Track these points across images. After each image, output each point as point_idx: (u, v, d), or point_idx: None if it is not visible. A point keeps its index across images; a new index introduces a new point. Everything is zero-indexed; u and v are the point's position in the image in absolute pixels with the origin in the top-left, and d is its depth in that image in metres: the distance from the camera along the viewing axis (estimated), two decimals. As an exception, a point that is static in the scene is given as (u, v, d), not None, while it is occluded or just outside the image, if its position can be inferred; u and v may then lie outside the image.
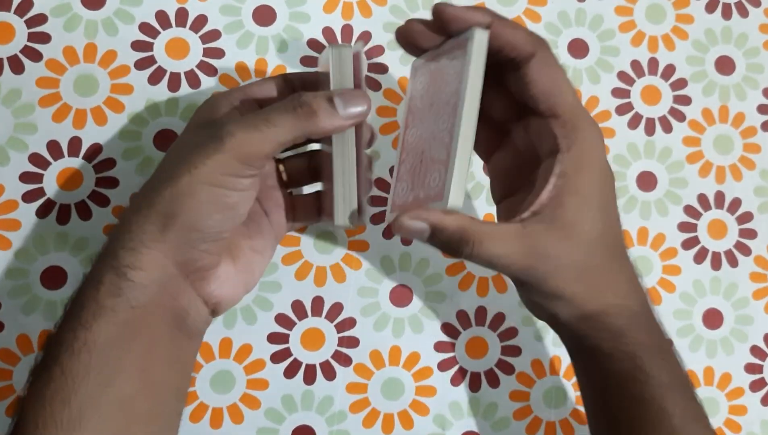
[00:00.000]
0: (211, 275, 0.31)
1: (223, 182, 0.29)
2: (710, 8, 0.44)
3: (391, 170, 0.40)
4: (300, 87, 0.34)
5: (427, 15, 0.42)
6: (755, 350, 0.42)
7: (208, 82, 0.40)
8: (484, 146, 0.34)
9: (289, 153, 0.36)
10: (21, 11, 0.39)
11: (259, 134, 0.29)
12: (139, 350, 0.29)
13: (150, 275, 0.29)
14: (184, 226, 0.29)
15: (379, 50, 0.41)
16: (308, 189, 0.37)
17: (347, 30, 0.41)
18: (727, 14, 0.44)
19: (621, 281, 0.30)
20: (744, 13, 0.45)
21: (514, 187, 0.33)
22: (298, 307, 0.39)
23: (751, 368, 0.42)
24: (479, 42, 0.29)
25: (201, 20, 0.40)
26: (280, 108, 0.30)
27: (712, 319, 0.42)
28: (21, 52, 0.39)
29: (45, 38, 0.39)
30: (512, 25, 0.29)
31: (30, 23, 0.39)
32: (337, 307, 0.39)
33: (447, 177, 0.29)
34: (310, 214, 0.36)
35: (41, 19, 0.39)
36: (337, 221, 0.31)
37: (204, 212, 0.29)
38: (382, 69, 0.41)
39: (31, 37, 0.39)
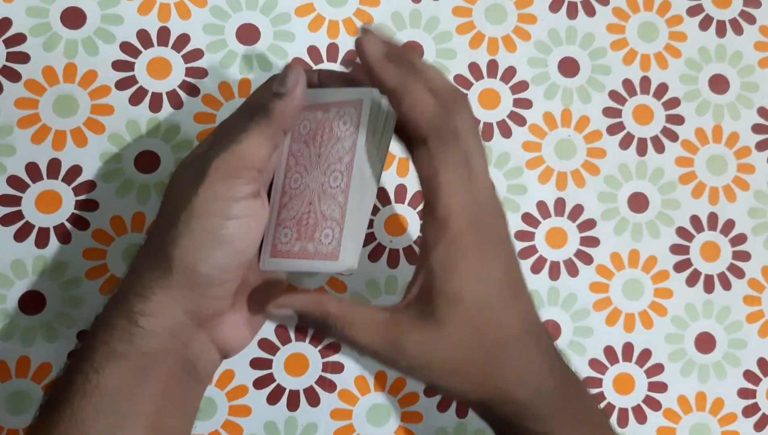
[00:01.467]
0: (224, 321, 0.31)
1: (215, 210, 0.29)
2: (704, 26, 0.44)
3: (379, 193, 0.40)
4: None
5: (414, 33, 0.41)
6: (748, 375, 0.41)
7: (190, 103, 0.39)
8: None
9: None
10: (-1, 30, 0.38)
11: (235, 148, 0.29)
12: (150, 396, 0.29)
13: (161, 322, 0.29)
14: (186, 270, 0.29)
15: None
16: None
17: (333, 49, 0.41)
18: (721, 32, 0.44)
19: (515, 368, 0.29)
20: (739, 30, 0.44)
21: None
22: (281, 331, 0.38)
23: (744, 393, 0.41)
24: (368, 112, 0.30)
25: (183, 39, 0.40)
26: (243, 122, 0.30)
27: (705, 343, 0.41)
28: (-1, 72, 0.38)
29: (24, 58, 0.38)
30: (420, 96, 0.28)
31: (8, 43, 0.38)
32: (321, 333, 0.38)
33: (342, 237, 0.30)
34: None
35: (20, 38, 0.38)
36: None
37: (201, 252, 0.29)
38: (369, 88, 0.40)
39: (10, 57, 0.38)
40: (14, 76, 0.38)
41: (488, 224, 0.29)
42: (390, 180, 0.40)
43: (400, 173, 0.40)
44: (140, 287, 0.29)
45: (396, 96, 0.29)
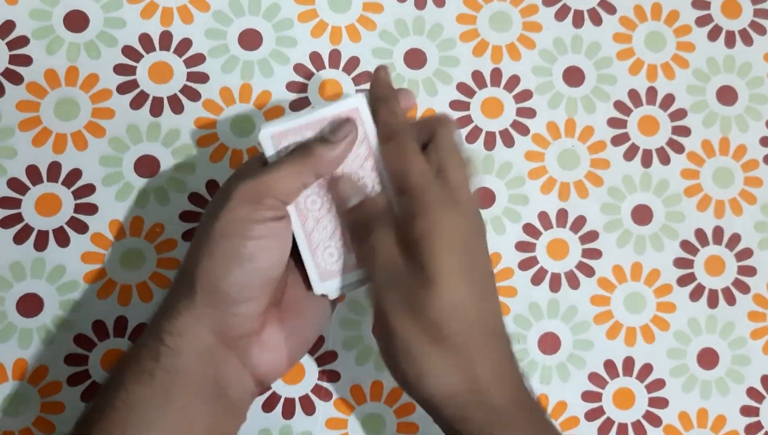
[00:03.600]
0: (254, 343, 0.31)
1: (235, 231, 0.30)
2: (713, 36, 0.43)
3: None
4: None
5: (417, 40, 0.41)
6: (752, 392, 0.40)
7: (191, 107, 0.39)
8: None
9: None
10: (2, 33, 0.38)
11: (263, 178, 0.30)
12: (175, 414, 0.30)
13: (186, 342, 0.30)
14: (209, 289, 0.30)
15: (367, 76, 0.40)
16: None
17: (335, 55, 0.40)
18: (730, 42, 0.43)
19: (447, 369, 0.29)
20: (748, 41, 0.43)
21: None
22: (278, 339, 0.38)
23: (746, 411, 0.40)
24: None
25: (185, 44, 0.39)
26: (285, 157, 0.31)
27: (708, 359, 0.40)
28: (1, 74, 0.38)
29: (26, 61, 0.38)
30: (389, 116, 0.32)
31: (11, 45, 0.38)
32: (319, 340, 0.38)
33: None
34: None
35: (23, 41, 0.38)
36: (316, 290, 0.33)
37: (222, 269, 0.30)
38: (370, 95, 0.40)
39: (12, 59, 0.38)
40: (16, 79, 0.38)
41: (459, 234, 0.30)
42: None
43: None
44: (169, 308, 0.31)
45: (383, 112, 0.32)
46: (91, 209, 0.38)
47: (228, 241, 0.30)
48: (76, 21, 0.39)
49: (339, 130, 0.31)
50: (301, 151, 0.31)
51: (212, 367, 0.30)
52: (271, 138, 0.32)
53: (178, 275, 0.33)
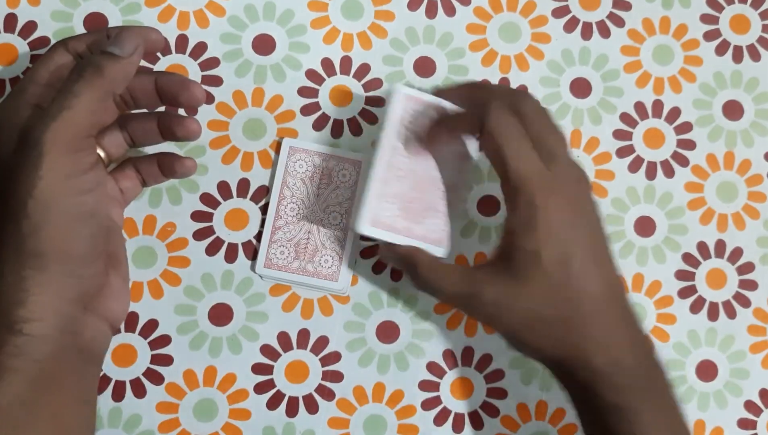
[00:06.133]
0: (106, 293, 0.31)
1: (67, 189, 0.27)
2: (721, 50, 0.43)
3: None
4: (87, 50, 0.33)
5: (427, 49, 0.41)
6: (749, 405, 0.41)
7: (204, 109, 0.40)
8: None
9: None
10: (24, 34, 0.40)
11: (68, 115, 0.27)
12: (51, 401, 0.28)
13: (47, 323, 0.27)
14: (61, 258, 0.27)
15: (377, 83, 0.41)
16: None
17: (346, 61, 0.41)
18: (738, 57, 0.43)
19: (592, 333, 0.30)
20: (756, 56, 0.43)
21: None
22: (283, 338, 0.39)
23: (744, 424, 0.41)
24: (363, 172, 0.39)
25: (201, 47, 0.40)
26: (69, 82, 0.28)
27: (706, 371, 0.41)
28: (23, 73, 0.39)
29: (46, 61, 0.39)
30: (456, 115, 0.34)
31: (33, 45, 0.39)
32: (323, 341, 0.39)
33: (341, 265, 0.38)
34: (152, 168, 0.36)
35: (44, 41, 0.39)
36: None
37: (68, 234, 0.27)
38: (380, 102, 0.41)
39: (34, 60, 0.39)
40: (36, 78, 0.39)
41: (565, 190, 0.31)
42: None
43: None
44: (15, 293, 0.27)
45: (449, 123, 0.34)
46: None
47: (65, 202, 0.27)
48: (96, 23, 0.40)
49: (125, 42, 0.29)
50: (92, 72, 0.28)
51: (76, 336, 0.29)
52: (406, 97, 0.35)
53: (4, 246, 0.28)
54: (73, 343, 0.29)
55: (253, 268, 0.39)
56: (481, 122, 0.32)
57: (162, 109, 0.36)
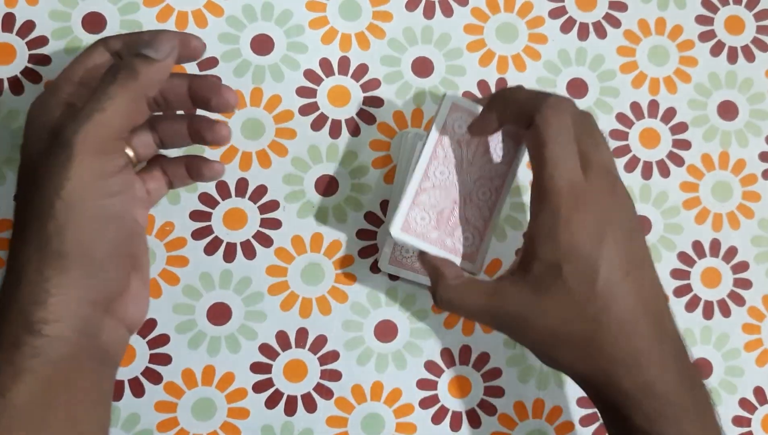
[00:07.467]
0: (127, 296, 0.31)
1: (94, 191, 0.27)
2: (716, 51, 0.44)
3: (382, 204, 0.40)
4: (125, 50, 0.33)
5: (425, 49, 0.42)
6: (744, 403, 0.41)
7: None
8: None
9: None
10: (22, 33, 0.40)
11: (100, 117, 0.27)
12: (66, 402, 0.28)
13: (66, 324, 0.27)
14: (83, 261, 0.27)
15: (375, 83, 0.41)
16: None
17: (344, 62, 0.41)
18: (732, 58, 0.44)
19: (619, 351, 0.28)
20: (751, 57, 0.44)
21: None
22: (282, 337, 0.39)
23: (738, 421, 0.41)
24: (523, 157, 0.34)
25: (199, 47, 0.40)
26: (104, 84, 0.28)
27: (701, 369, 0.41)
28: (21, 73, 0.39)
29: (45, 60, 0.39)
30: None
31: (31, 45, 0.39)
32: (321, 340, 0.39)
33: (480, 245, 0.34)
34: (181, 173, 0.35)
35: (42, 41, 0.40)
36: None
37: (92, 236, 0.27)
38: (378, 102, 0.41)
39: (32, 58, 0.39)
40: (36, 78, 0.39)
41: (596, 201, 0.29)
42: (395, 193, 0.41)
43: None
44: (36, 293, 0.27)
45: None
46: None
47: (90, 204, 0.27)
48: (94, 22, 0.40)
49: (161, 45, 0.29)
50: (127, 74, 0.28)
51: (94, 338, 0.29)
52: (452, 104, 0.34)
53: (22, 247, 0.28)
54: (90, 345, 0.29)
55: (383, 233, 0.39)
56: (531, 114, 0.30)
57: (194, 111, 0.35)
